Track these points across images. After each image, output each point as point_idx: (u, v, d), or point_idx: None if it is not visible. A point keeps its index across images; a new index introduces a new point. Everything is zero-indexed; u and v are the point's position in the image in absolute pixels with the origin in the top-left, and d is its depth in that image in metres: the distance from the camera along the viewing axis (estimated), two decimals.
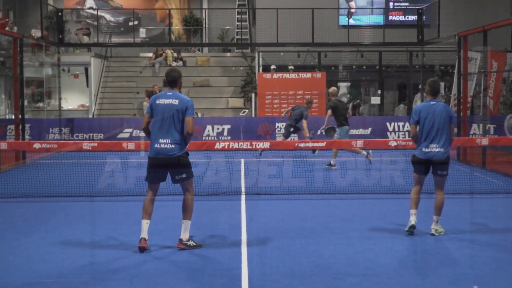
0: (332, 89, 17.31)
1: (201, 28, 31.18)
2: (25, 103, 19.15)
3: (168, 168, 8.19)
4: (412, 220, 8.96)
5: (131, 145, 12.61)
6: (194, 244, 8.23)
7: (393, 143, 13.14)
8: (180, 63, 29.13)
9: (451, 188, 12.69)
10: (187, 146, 8.32)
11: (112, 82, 28.39)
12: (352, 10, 27.50)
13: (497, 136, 15.89)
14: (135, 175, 13.95)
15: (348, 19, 27.16)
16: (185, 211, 8.22)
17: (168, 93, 8.18)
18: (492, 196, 12.20)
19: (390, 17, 27.74)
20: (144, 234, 8.11)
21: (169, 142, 8.03)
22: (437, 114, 8.95)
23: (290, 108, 18.74)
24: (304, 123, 17.71)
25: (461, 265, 7.51)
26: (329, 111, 16.27)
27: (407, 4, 27.76)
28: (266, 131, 22.57)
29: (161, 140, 8.03)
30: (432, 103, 9.06)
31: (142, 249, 8.00)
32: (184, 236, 8.19)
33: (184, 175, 8.19)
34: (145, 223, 8.17)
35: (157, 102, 8.15)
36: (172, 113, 8.01)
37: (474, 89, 21.90)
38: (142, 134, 22.10)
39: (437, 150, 9.00)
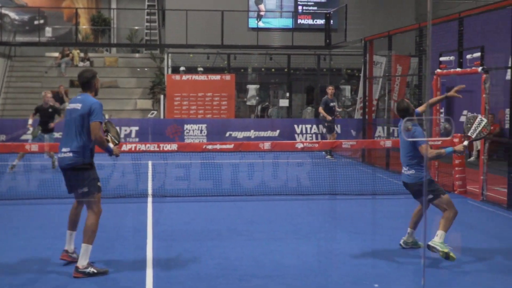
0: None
1: (109, 28, 30.82)
2: None
3: (68, 180, 7.36)
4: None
5: (34, 147, 12.30)
6: (95, 271, 7.06)
7: (300, 145, 13.30)
8: (87, 63, 28.66)
9: (355, 189, 12.97)
10: (93, 155, 7.37)
11: (16, 82, 27.63)
12: (262, 13, 27.67)
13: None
14: (38, 178, 13.63)
15: (258, 22, 27.33)
16: (85, 233, 7.14)
17: (77, 97, 7.45)
18: (393, 197, 12.51)
19: (299, 21, 28.03)
20: (68, 245, 7.45)
21: (69, 151, 7.18)
22: (401, 137, 8.42)
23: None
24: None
25: (364, 264, 7.65)
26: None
27: (315, 8, 28.12)
28: (175, 133, 22.43)
29: (63, 149, 7.21)
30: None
31: (65, 262, 7.40)
32: (81, 262, 7.05)
33: (85, 189, 7.22)
34: (69, 234, 7.47)
35: (67, 107, 7.48)
36: (74, 119, 7.20)
37: (380, 92, 22.45)
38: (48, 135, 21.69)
39: (407, 173, 8.31)
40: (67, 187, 7.50)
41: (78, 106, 7.29)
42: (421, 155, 7.92)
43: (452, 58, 13.91)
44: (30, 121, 16.23)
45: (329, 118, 18.81)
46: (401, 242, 8.30)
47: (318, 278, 7.11)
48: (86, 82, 7.55)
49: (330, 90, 19.34)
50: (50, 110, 15.98)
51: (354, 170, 15.48)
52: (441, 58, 13.80)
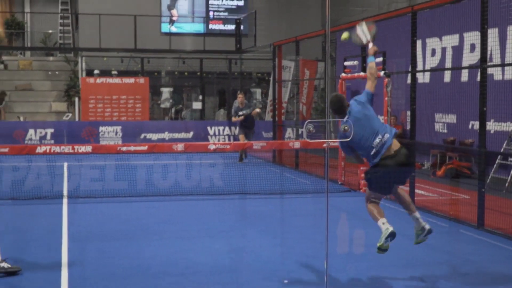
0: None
1: (23, 32, 29.98)
2: None
3: None
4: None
5: None
6: (9, 266, 6.86)
7: (212, 146, 13.30)
8: (1, 66, 27.84)
9: (266, 189, 13.07)
10: None
11: None
12: (174, 18, 27.55)
13: (309, 140, 16.54)
14: None
15: (170, 27, 27.18)
16: None
17: None
18: (301, 196, 12.68)
19: (210, 26, 28.07)
20: None
21: None
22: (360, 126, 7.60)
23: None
24: None
25: (274, 261, 7.70)
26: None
27: (226, 14, 28.21)
28: (91, 135, 22.06)
29: None
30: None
31: None
32: None
33: None
34: None
35: None
36: None
37: (289, 95, 22.73)
38: None
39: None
40: None
41: None
42: None
43: (356, 62, 14.22)
44: None
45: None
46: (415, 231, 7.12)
47: (231, 275, 7.12)
48: None
49: (239, 98, 18.14)
50: None
51: (264, 170, 15.59)
52: (346, 63, 14.09)
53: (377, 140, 6.89)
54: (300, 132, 19.14)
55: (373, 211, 6.91)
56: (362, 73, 13.45)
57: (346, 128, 6.55)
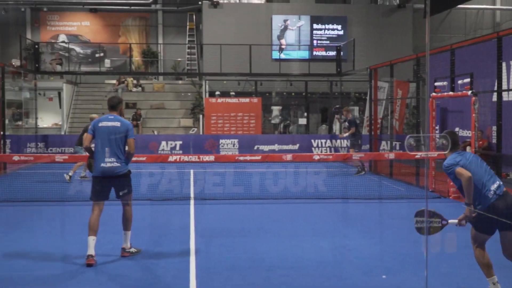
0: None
1: (157, 60, 31.00)
2: (6, 121, 18.64)
3: (113, 185, 7.58)
4: None
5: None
6: (135, 250, 7.64)
7: (317, 157, 13.23)
8: (140, 89, 28.84)
9: (364, 194, 12.86)
10: (128, 164, 7.68)
11: (81, 105, 27.86)
12: (283, 47, 27.70)
13: (402, 151, 16.17)
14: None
15: (280, 54, 27.34)
16: (127, 223, 7.63)
17: (109, 117, 7.63)
18: (397, 201, 12.37)
19: (314, 53, 28.03)
20: (91, 251, 7.19)
21: (114, 161, 7.41)
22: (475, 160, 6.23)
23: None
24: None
25: (373, 258, 7.55)
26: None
27: (328, 42, 28.08)
28: (212, 146, 22.47)
29: (106, 160, 7.39)
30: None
31: (89, 265, 7.06)
32: (126, 245, 7.58)
33: (126, 191, 7.61)
34: (92, 240, 7.25)
35: (100, 124, 7.55)
36: (115, 134, 7.46)
37: (383, 112, 22.30)
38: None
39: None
40: (100, 195, 7.59)
41: (117, 124, 7.56)
42: None
43: (445, 83, 13.78)
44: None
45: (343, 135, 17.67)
46: None
47: (334, 270, 7.02)
48: (115, 106, 7.82)
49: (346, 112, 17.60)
50: None
51: (362, 178, 15.36)
52: (436, 83, 13.67)
53: (495, 184, 5.84)
54: (393, 144, 18.74)
55: (481, 261, 5.87)
56: (451, 93, 13.02)
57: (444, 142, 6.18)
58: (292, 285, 6.37)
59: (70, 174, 14.70)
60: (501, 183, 5.93)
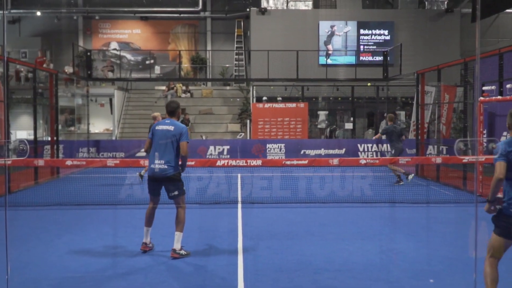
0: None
1: (206, 66, 31.32)
2: (59, 127, 19.13)
3: (163, 186, 7.88)
4: None
5: (147, 163, 12.56)
6: (185, 253, 7.77)
7: (363, 161, 13.14)
8: (188, 94, 29.19)
9: (411, 198, 12.72)
10: (184, 167, 7.97)
11: (132, 110, 28.39)
12: (330, 52, 27.64)
13: (449, 155, 15.91)
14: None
15: (326, 59, 27.30)
16: (178, 224, 7.77)
17: (166, 121, 7.91)
18: (445, 205, 12.19)
19: (361, 58, 27.88)
20: (145, 239, 7.96)
21: (163, 163, 7.70)
22: None
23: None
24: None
25: (420, 262, 7.48)
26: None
27: (375, 47, 27.91)
28: (259, 151, 22.57)
29: (156, 162, 7.70)
30: None
31: (143, 252, 7.88)
32: (177, 246, 7.72)
33: (176, 192, 7.79)
34: (146, 230, 7.95)
35: (156, 128, 7.88)
36: (167, 138, 7.73)
37: (430, 117, 21.98)
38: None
39: None
40: (152, 190, 7.98)
41: (171, 128, 7.82)
42: None
43: (493, 87, 13.54)
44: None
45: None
46: None
47: (381, 273, 6.99)
48: (173, 111, 8.04)
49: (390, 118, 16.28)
50: None
51: (409, 183, 15.18)
52: (484, 88, 13.44)
53: None
54: (441, 148, 18.45)
55: (487, 277, 5.49)
56: (499, 97, 12.76)
57: (494, 146, 5.43)
58: (339, 287, 6.36)
59: (142, 173, 15.01)
60: None
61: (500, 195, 5.44)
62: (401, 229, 9.84)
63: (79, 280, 6.68)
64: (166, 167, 7.74)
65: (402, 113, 27.56)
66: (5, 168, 5.47)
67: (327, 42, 27.70)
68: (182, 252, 7.77)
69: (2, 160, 10.90)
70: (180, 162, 7.95)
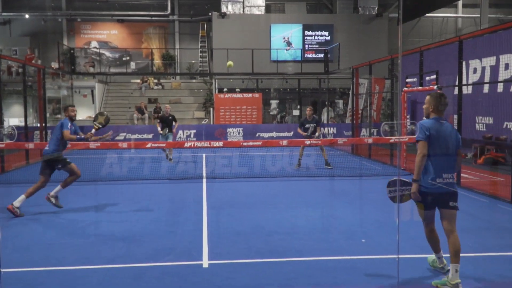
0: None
1: (174, 62, 30.93)
2: (47, 115, 18.67)
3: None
4: (448, 269, 5.18)
5: (124, 145, 12.40)
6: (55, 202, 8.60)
7: (308, 142, 13.25)
8: (160, 87, 28.82)
9: (347, 173, 12.90)
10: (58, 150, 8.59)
11: (111, 100, 27.87)
12: (288, 48, 27.71)
13: (379, 136, 16.19)
14: (127, 166, 13.74)
15: (287, 50, 27.26)
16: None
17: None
18: (375, 178, 12.42)
19: (306, 55, 27.96)
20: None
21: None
22: (448, 136, 5.19)
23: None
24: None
25: (355, 225, 7.59)
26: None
27: (317, 46, 28.02)
28: (221, 134, 22.51)
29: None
30: (441, 121, 5.26)
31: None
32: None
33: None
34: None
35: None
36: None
37: (363, 104, 22.30)
38: (133, 136, 21.82)
39: (452, 181, 5.18)
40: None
41: None
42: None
43: (415, 79, 13.79)
44: (159, 128, 15.41)
45: (304, 134, 14.18)
46: (429, 262, 5.62)
47: (322, 235, 7.08)
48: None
49: (308, 111, 14.36)
50: (170, 117, 15.65)
51: (346, 159, 15.39)
52: (407, 80, 13.67)
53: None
54: (372, 131, 18.74)
55: (429, 241, 5.37)
56: (420, 87, 13.02)
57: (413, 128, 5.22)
58: (287, 247, 6.43)
59: (170, 157, 15.02)
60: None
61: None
62: (339, 198, 9.99)
63: (65, 246, 6.56)
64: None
65: (340, 102, 27.83)
66: None
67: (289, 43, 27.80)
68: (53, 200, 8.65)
69: None
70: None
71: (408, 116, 14.73)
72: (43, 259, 6.00)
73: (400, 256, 5.94)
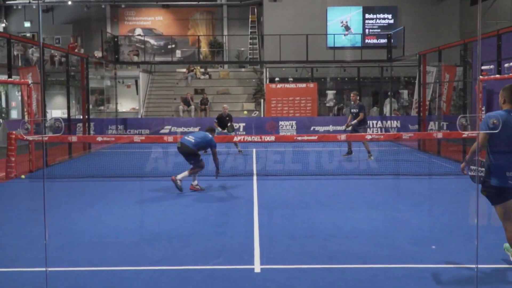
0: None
1: (222, 50, 31.12)
2: (90, 106, 19.18)
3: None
4: None
5: (170, 138, 12.57)
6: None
7: (369, 137, 13.02)
8: (207, 76, 29.07)
9: (414, 171, 12.59)
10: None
11: (156, 91, 28.36)
12: (346, 33, 27.40)
13: (449, 131, 15.72)
14: (173, 160, 13.90)
15: (345, 35, 26.95)
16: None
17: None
18: (445, 177, 12.06)
19: (366, 40, 27.55)
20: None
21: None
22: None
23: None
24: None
25: (422, 230, 7.40)
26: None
27: (379, 30, 27.54)
28: (272, 128, 22.49)
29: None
30: None
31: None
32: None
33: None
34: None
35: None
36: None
37: (431, 95, 21.72)
38: (179, 129, 22.13)
39: None
40: None
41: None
42: None
43: (492, 67, 13.29)
44: (219, 129, 16.13)
45: (349, 123, 14.78)
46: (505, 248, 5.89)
47: (386, 239, 6.91)
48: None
49: (352, 96, 15.22)
50: (227, 118, 16.46)
51: (412, 156, 15.04)
52: (483, 67, 13.19)
53: None
54: (441, 124, 18.25)
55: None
56: (497, 75, 12.53)
57: (495, 121, 5.15)
58: (348, 253, 6.31)
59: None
60: None
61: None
62: (405, 199, 9.75)
63: (109, 245, 6.69)
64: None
65: (405, 92, 27.28)
66: (43, 144, 5.47)
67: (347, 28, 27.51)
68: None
69: (40, 136, 10.92)
70: None
71: (483, 108, 14.23)
72: (87, 258, 6.14)
73: (479, 266, 5.70)
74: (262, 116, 25.11)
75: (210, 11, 32.13)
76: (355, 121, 14.55)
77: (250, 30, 30.69)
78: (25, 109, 14.03)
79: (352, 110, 14.87)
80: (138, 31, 31.68)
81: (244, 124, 22.55)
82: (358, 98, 14.98)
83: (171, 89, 28.36)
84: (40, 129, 12.72)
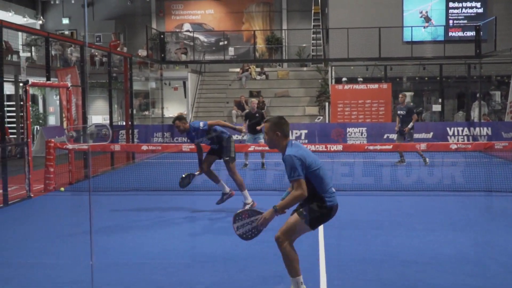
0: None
1: (281, 46, 31.28)
2: (134, 111, 19.65)
3: None
4: None
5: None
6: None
7: (454, 146, 12.81)
8: (264, 76, 29.28)
9: (509, 187, 12.26)
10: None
11: (206, 93, 28.79)
12: (426, 25, 27.11)
13: None
14: (225, 173, 14.07)
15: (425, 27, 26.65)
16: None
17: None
18: None
19: (450, 33, 27.12)
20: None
21: None
22: None
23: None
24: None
25: None
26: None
27: (465, 21, 27.06)
28: (339, 135, 22.42)
29: None
30: None
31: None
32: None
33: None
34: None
35: None
36: None
37: None
38: (240, 137, 22.42)
39: None
40: None
41: None
42: None
43: None
44: (243, 128, 16.20)
45: (397, 126, 16.22)
46: None
47: (476, 267, 6.79)
48: None
49: (401, 97, 16.33)
50: (256, 115, 16.35)
51: (506, 169, 14.66)
52: None
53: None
54: None
55: (293, 257, 5.91)
56: None
57: None
58: (430, 282, 6.25)
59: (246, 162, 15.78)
60: None
61: None
62: (498, 219, 9.54)
63: (158, 267, 6.86)
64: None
65: (497, 93, 26.68)
66: (88, 153, 5.70)
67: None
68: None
69: (83, 145, 11.35)
70: None
71: None
72: (135, 281, 6.33)
73: None
74: (327, 121, 25.06)
75: (267, 2, 32.40)
76: (411, 123, 15.56)
77: (313, 24, 30.75)
78: (63, 115, 14.56)
79: (399, 112, 15.61)
80: (187, 26, 32.31)
81: (306, 131, 22.59)
82: (406, 99, 15.94)
83: (223, 91, 28.73)
84: (80, 136, 13.22)
